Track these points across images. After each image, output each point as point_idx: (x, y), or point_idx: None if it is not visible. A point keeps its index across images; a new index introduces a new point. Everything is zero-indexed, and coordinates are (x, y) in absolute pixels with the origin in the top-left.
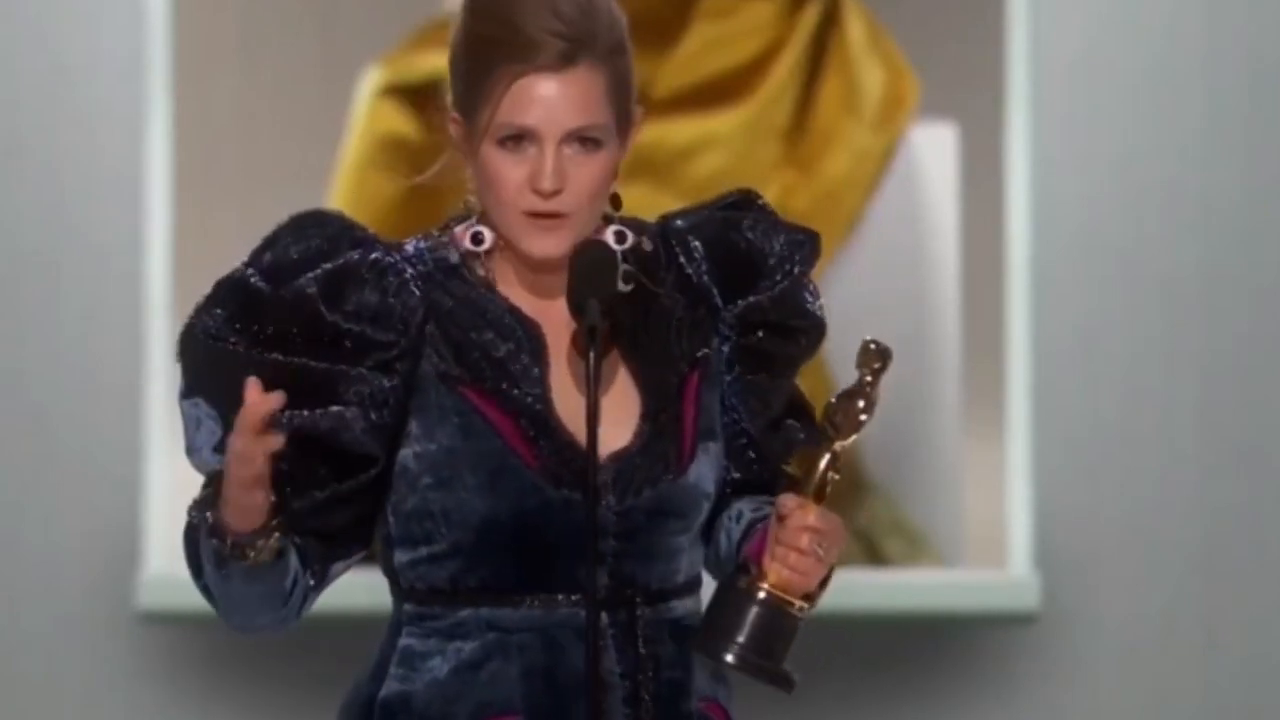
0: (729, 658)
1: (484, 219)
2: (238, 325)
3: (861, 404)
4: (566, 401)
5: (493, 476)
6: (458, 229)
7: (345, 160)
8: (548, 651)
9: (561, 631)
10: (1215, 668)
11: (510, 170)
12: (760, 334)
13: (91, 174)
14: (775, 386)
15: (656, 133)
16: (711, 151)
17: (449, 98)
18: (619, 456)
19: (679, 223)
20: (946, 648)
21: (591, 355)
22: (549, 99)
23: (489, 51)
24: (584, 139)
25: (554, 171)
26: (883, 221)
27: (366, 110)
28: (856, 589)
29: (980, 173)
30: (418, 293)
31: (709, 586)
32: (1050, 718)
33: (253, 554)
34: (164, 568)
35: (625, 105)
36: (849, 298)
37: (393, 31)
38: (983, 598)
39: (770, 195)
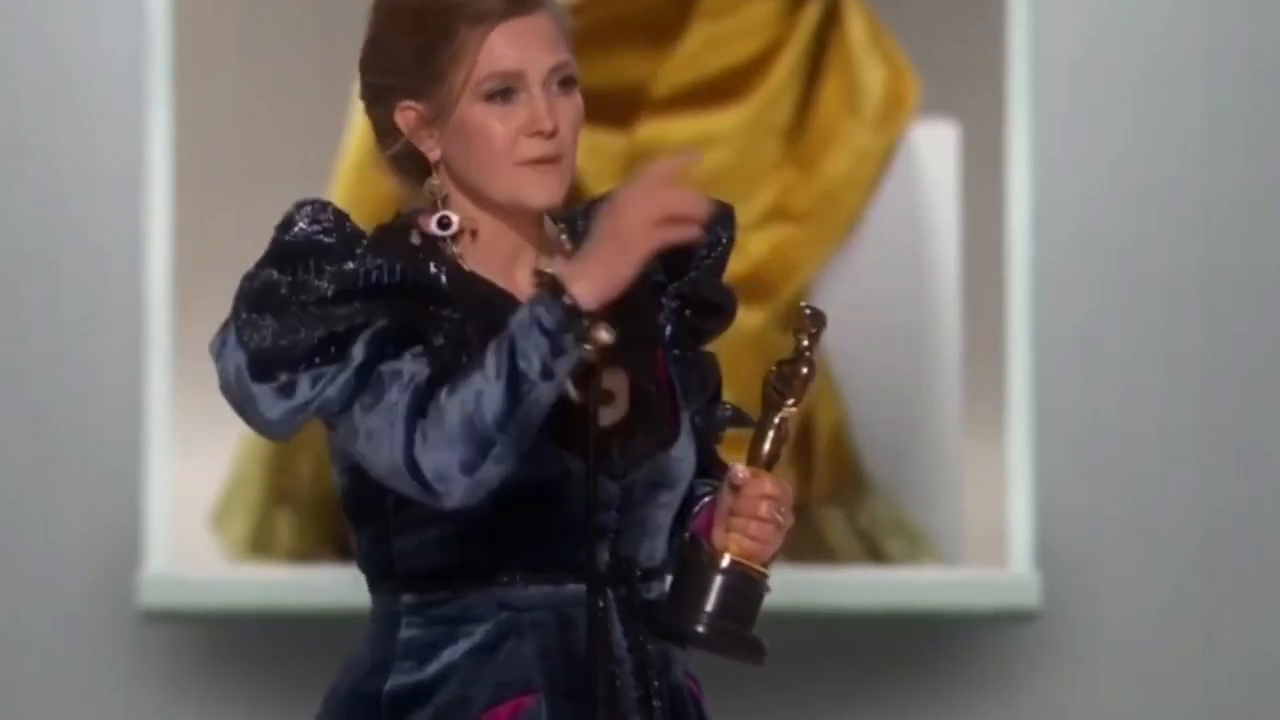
0: (699, 628)
1: (451, 200)
2: (299, 286)
3: (805, 369)
4: None
5: None
6: (420, 218)
7: (345, 160)
8: (562, 629)
9: (574, 608)
10: (1215, 668)
11: (501, 124)
12: (694, 311)
13: (91, 174)
14: (710, 363)
15: (656, 132)
16: (712, 150)
17: (385, 105)
18: (621, 428)
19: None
20: (946, 647)
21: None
22: (523, 42)
23: (440, 21)
24: (564, 80)
25: (549, 110)
26: (883, 221)
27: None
28: (856, 588)
29: (980, 172)
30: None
31: None
32: (1050, 717)
33: (599, 335)
34: (164, 567)
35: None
36: (849, 298)
37: None
38: (983, 597)
39: (770, 195)
